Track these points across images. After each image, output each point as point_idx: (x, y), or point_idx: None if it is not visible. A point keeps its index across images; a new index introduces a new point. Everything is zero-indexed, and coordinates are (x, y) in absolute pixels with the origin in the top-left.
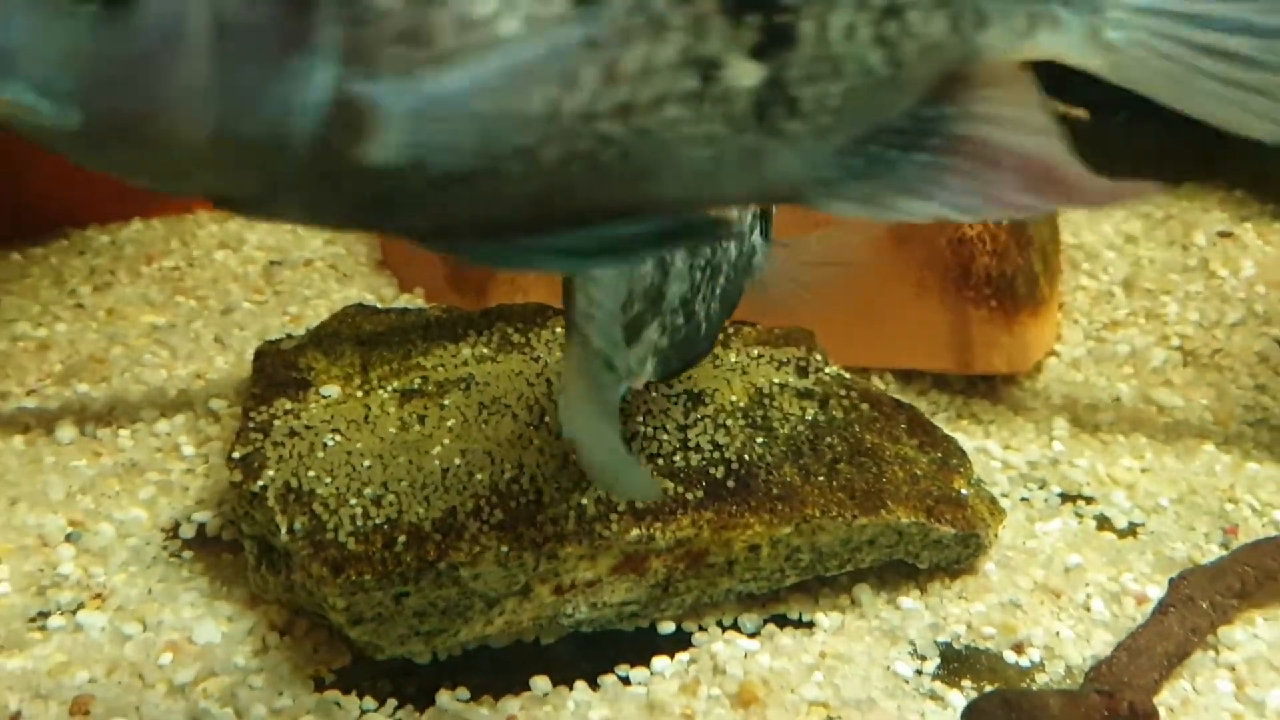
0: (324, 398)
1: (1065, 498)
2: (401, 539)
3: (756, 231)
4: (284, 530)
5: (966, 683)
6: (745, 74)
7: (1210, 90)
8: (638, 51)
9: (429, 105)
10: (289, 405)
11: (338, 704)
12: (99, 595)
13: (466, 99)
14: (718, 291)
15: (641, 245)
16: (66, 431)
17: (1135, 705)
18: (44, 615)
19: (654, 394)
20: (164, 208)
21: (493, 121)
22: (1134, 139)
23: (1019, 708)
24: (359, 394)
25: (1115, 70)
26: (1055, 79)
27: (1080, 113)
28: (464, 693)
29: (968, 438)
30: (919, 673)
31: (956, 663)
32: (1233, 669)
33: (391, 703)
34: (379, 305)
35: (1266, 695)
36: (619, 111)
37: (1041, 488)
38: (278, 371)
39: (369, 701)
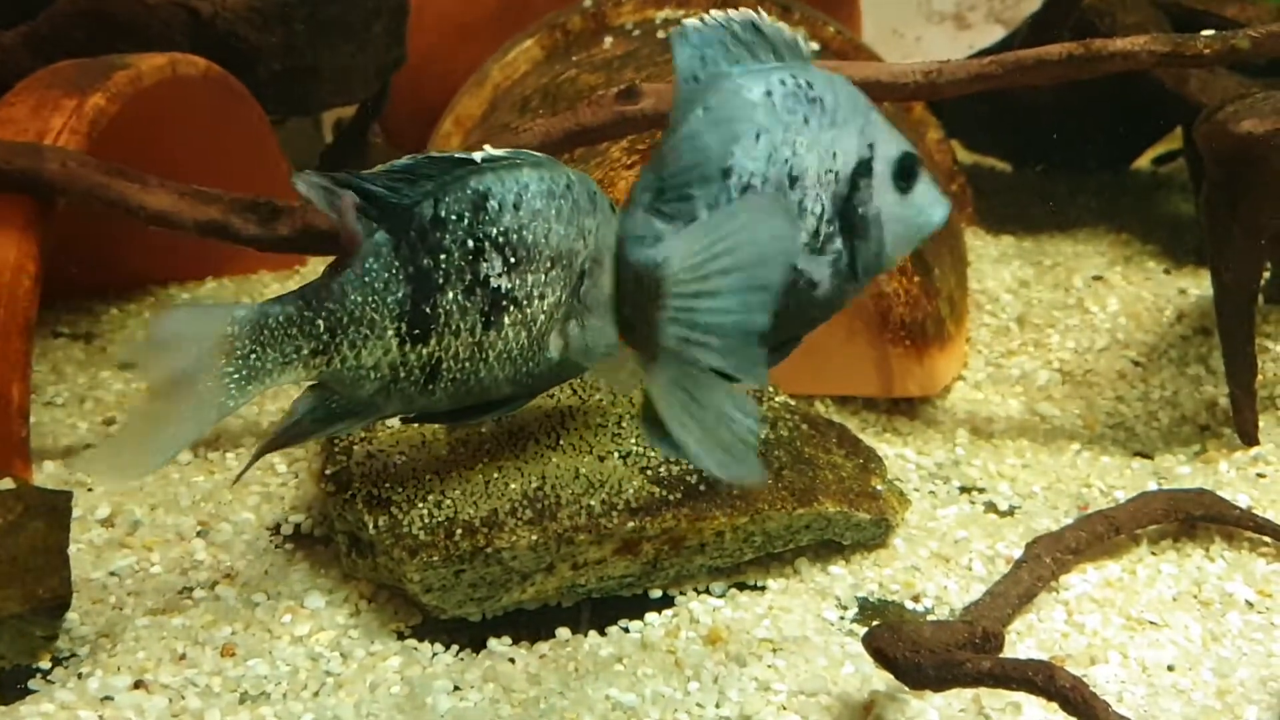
0: (389, 429)
1: (963, 490)
2: (459, 531)
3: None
4: (371, 526)
5: (876, 623)
6: None
7: None
8: None
9: None
10: (363, 435)
11: (415, 649)
12: (228, 575)
13: None
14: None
15: None
16: (184, 455)
17: (987, 630)
18: (189, 589)
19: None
20: (232, 268)
21: None
22: (1048, 187)
23: (901, 632)
24: (415, 425)
25: None
26: (981, 133)
27: (1003, 164)
28: (507, 640)
29: (890, 446)
30: (841, 618)
31: (870, 610)
32: (1066, 604)
33: (454, 647)
34: None
35: (1087, 619)
36: None
37: (945, 483)
38: None
39: (438, 647)
